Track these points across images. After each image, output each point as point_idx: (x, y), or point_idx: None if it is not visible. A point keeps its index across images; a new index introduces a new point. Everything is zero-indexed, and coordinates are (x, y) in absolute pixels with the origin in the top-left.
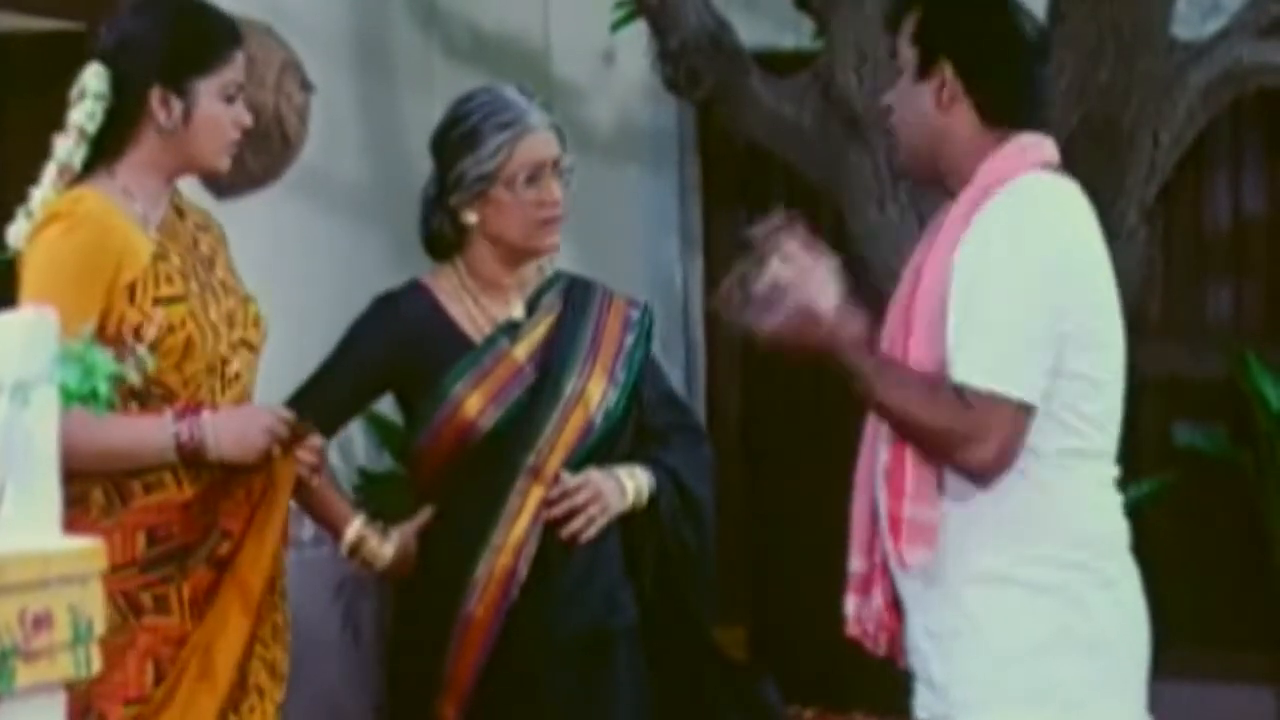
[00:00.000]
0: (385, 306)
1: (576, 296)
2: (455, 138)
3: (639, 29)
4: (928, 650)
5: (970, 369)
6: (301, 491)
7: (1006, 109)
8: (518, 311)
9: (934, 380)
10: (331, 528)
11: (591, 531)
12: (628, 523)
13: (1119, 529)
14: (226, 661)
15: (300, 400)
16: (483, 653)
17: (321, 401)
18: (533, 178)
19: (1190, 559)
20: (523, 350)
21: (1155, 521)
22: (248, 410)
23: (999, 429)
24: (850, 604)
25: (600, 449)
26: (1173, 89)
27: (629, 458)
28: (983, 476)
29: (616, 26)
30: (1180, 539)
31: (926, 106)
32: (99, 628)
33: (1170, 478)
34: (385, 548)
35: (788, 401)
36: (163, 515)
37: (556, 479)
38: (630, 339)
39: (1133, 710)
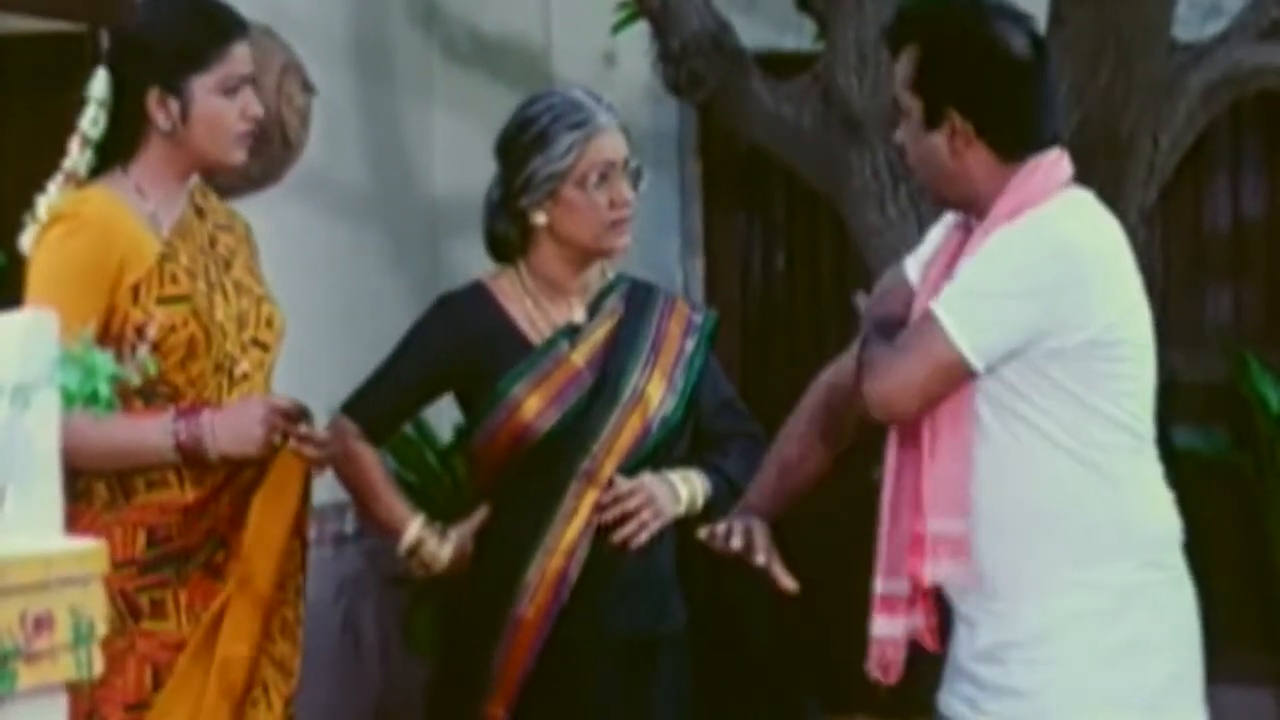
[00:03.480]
0: (446, 308)
1: (638, 300)
2: (525, 139)
3: (640, 30)
4: (1009, 659)
5: (940, 306)
6: (361, 492)
7: (1021, 141)
8: (579, 315)
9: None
10: (389, 528)
11: (644, 537)
12: (682, 527)
13: (1178, 525)
14: (240, 669)
15: (362, 400)
16: (531, 654)
17: (383, 402)
18: (604, 176)
19: (1190, 561)
20: (581, 354)
21: None
22: (241, 404)
23: (924, 358)
24: (876, 627)
25: (656, 453)
26: (1172, 91)
27: (686, 462)
28: (878, 407)
29: (617, 28)
30: None
31: (940, 154)
32: (100, 629)
33: (1170, 480)
34: (444, 549)
35: (787, 403)
36: (164, 515)
37: (610, 483)
38: (691, 344)
39: (1200, 706)
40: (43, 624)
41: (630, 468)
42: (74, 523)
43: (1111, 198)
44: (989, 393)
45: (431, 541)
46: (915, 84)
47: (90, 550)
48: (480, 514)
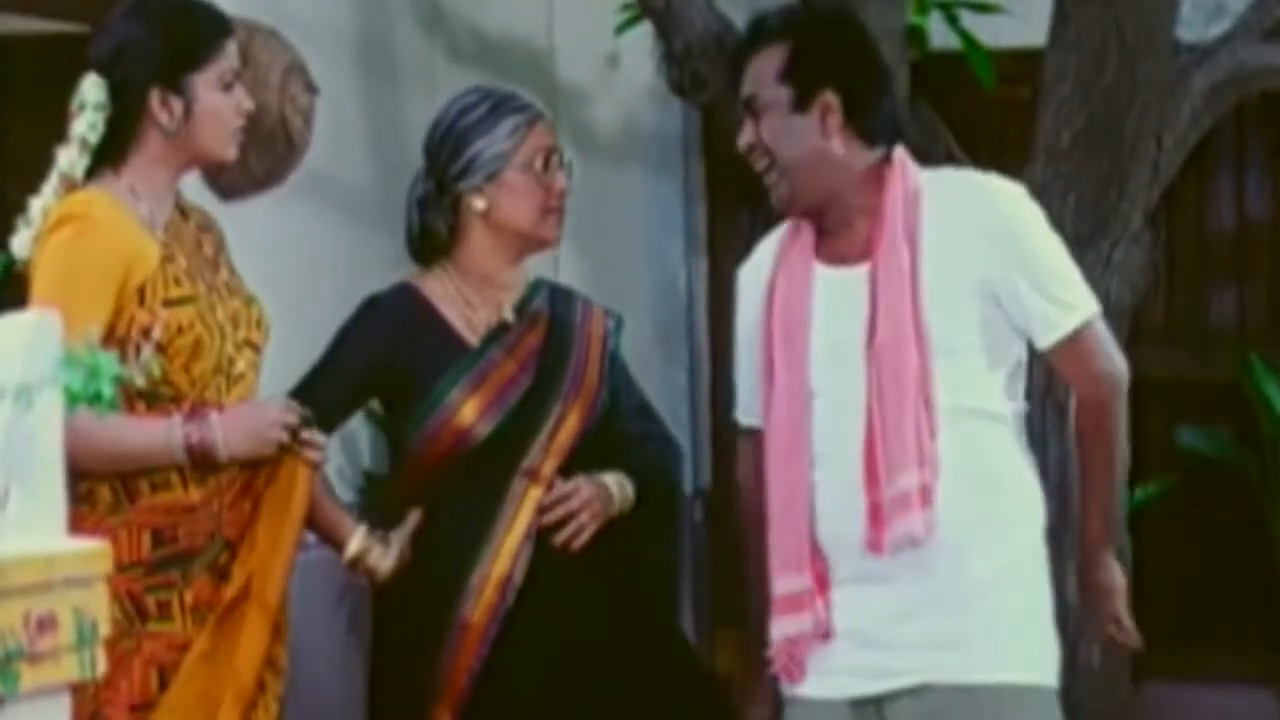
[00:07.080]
0: (374, 309)
1: (560, 304)
2: (465, 124)
3: (643, 31)
4: (938, 613)
5: (1078, 310)
6: None
7: (884, 129)
8: (508, 314)
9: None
10: (332, 539)
11: (584, 538)
12: (612, 529)
13: None
14: (251, 679)
15: None
16: (478, 658)
17: (314, 407)
18: (547, 162)
19: (1193, 562)
20: (517, 356)
21: (1158, 524)
22: (254, 406)
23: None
24: (784, 627)
25: (587, 455)
26: (1176, 92)
27: (605, 465)
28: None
29: (621, 29)
30: (1183, 542)
31: (812, 135)
32: (104, 629)
33: (1173, 481)
34: (387, 558)
35: None
36: (169, 517)
37: (552, 484)
38: (611, 345)
39: None
40: (46, 625)
41: (566, 470)
42: (78, 526)
43: (1115, 198)
44: (948, 360)
45: (375, 551)
46: (784, 75)
47: (94, 551)
48: (414, 518)
